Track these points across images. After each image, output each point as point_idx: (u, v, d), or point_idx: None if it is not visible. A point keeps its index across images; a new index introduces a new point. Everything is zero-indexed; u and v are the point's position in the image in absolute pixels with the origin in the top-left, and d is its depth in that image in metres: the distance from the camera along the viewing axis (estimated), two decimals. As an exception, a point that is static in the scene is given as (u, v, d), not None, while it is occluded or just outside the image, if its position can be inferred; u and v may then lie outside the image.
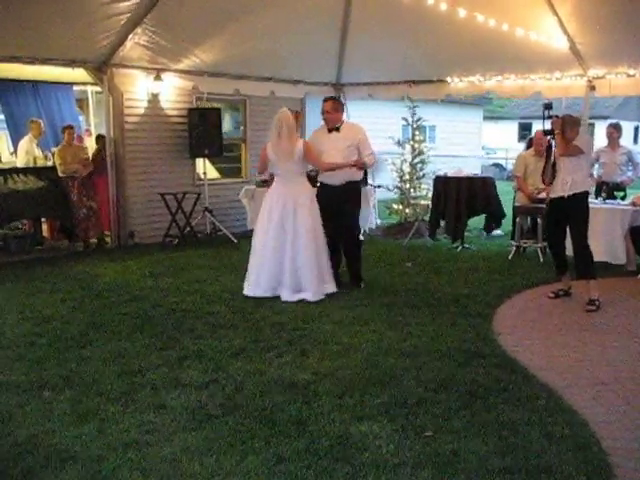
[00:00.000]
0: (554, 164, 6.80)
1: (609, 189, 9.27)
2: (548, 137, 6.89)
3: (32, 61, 8.91)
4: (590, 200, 8.72)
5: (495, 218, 10.76)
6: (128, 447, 3.56)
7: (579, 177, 6.66)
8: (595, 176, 9.87)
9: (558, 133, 6.64)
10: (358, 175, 7.33)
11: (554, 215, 6.94)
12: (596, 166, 9.87)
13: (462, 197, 10.17)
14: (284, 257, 6.79)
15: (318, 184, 7.34)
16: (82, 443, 3.61)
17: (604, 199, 8.90)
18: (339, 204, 7.12)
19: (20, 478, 3.25)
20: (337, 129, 7.16)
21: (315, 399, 4.21)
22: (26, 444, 3.60)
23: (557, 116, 6.74)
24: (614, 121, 10.50)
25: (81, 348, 5.25)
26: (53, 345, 5.31)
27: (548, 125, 6.84)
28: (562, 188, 6.70)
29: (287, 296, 6.75)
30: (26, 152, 10.41)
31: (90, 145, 11.08)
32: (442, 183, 10.56)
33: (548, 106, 6.84)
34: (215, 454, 3.48)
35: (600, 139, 19.32)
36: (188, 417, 3.95)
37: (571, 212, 6.72)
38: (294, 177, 6.91)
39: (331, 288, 6.98)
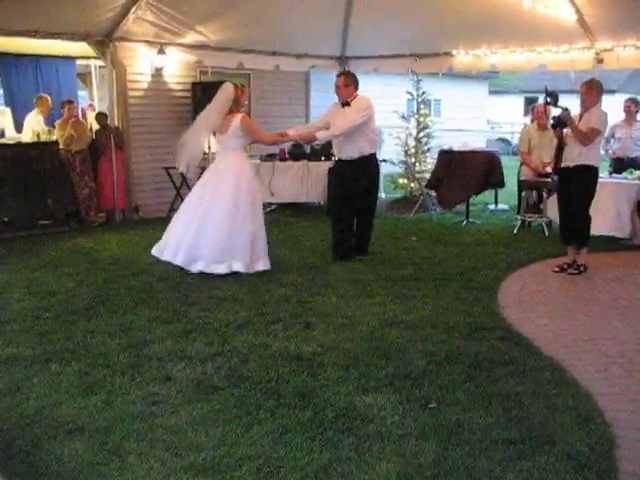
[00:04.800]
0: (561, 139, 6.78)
1: (624, 165, 9.20)
2: (557, 129, 6.76)
3: (34, 35, 8.85)
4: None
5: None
6: (135, 418, 3.59)
7: (589, 150, 6.59)
8: (610, 151, 9.80)
9: (573, 125, 6.55)
10: (367, 149, 7.24)
11: (562, 185, 6.93)
12: (612, 141, 9.79)
13: (468, 171, 10.11)
14: (190, 226, 6.67)
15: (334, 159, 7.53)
16: (89, 415, 3.64)
17: (610, 173, 8.86)
18: (354, 179, 7.20)
19: (28, 449, 3.28)
20: (348, 104, 7.16)
21: (320, 371, 4.23)
22: (33, 416, 3.63)
23: (565, 109, 6.63)
24: (632, 96, 10.34)
25: (87, 321, 5.27)
26: (59, 318, 5.34)
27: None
28: (570, 158, 6.68)
29: (180, 262, 6.63)
30: (32, 128, 10.36)
31: (92, 120, 11.00)
32: (447, 156, 10.55)
33: (550, 94, 6.68)
34: (221, 425, 3.51)
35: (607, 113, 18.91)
36: (194, 389, 3.97)
37: (575, 183, 6.70)
38: (226, 151, 6.88)
39: (263, 265, 6.79)
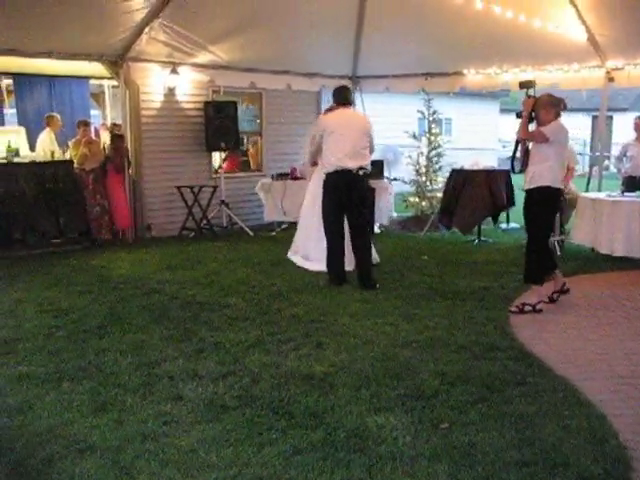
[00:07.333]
0: (527, 151, 6.33)
1: (636, 183, 9.16)
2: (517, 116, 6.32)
3: (49, 56, 8.96)
4: (609, 193, 8.67)
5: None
6: (146, 438, 3.58)
7: (543, 169, 6.08)
8: (622, 170, 9.78)
9: (525, 115, 6.16)
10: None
11: (523, 210, 6.48)
12: (624, 160, 9.78)
13: (480, 191, 10.07)
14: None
15: None
16: (100, 433, 3.65)
17: (622, 192, 8.83)
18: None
19: (40, 467, 3.29)
20: None
21: (332, 391, 4.22)
22: (45, 434, 3.64)
23: (529, 96, 6.23)
24: None
25: (99, 340, 5.29)
26: (71, 337, 5.36)
27: None
28: (526, 180, 6.26)
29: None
30: (44, 147, 10.46)
31: (105, 140, 11.09)
32: (458, 176, 10.52)
33: (525, 85, 6.26)
34: (232, 445, 3.50)
35: (618, 132, 19.03)
36: (205, 408, 3.97)
37: (528, 208, 6.30)
38: None
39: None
